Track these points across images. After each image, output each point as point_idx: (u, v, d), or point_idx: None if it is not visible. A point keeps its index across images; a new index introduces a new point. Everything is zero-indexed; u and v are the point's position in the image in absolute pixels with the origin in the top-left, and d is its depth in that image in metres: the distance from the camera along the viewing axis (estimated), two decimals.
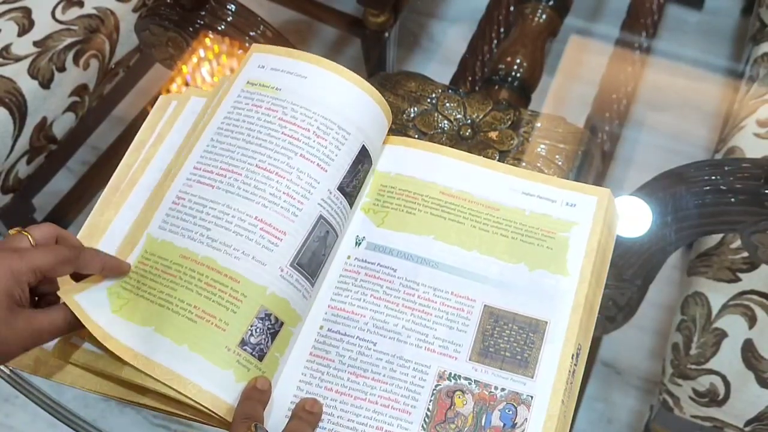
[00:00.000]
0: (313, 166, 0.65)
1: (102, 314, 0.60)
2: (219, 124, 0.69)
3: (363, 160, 0.68)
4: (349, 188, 0.67)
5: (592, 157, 0.89)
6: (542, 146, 0.87)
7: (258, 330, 0.60)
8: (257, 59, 0.72)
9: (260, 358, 0.60)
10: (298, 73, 0.70)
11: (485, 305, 0.63)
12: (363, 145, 0.68)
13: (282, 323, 0.61)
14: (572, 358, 0.61)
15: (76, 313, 0.59)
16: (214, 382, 0.58)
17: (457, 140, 0.88)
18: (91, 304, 0.60)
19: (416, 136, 0.88)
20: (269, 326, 0.60)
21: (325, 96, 0.68)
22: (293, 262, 0.62)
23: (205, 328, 0.59)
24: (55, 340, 0.61)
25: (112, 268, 0.62)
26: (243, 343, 0.59)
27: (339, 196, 0.66)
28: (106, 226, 0.67)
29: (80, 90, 1.15)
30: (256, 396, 0.59)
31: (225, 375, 0.58)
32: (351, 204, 0.67)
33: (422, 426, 0.59)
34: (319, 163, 0.65)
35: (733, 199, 0.79)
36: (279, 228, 0.63)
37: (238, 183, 0.64)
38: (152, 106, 0.76)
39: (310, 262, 0.63)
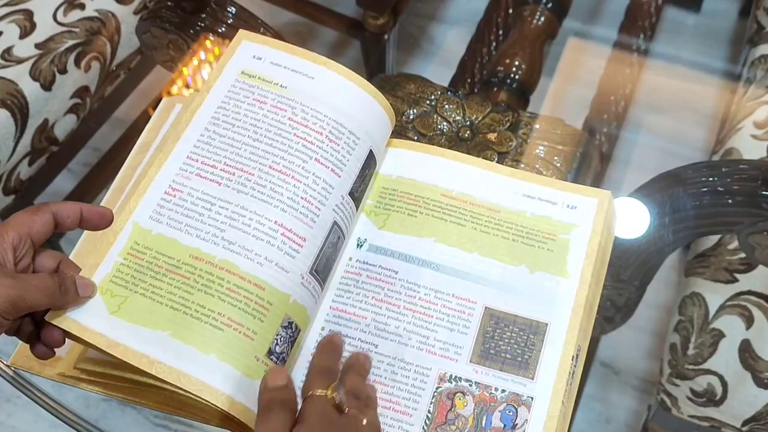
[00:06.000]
0: (328, 171, 0.64)
1: (100, 319, 0.57)
2: (213, 114, 0.66)
3: (370, 164, 0.68)
4: (358, 193, 0.67)
5: (590, 159, 0.89)
6: (541, 148, 0.87)
7: (282, 339, 0.59)
8: (249, 48, 0.70)
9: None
10: (304, 72, 0.68)
11: (486, 307, 0.64)
12: (371, 150, 0.68)
13: (300, 330, 0.61)
14: (572, 359, 0.61)
15: (73, 331, 0.56)
16: (245, 393, 0.56)
17: (456, 142, 0.88)
18: (86, 312, 0.57)
19: (415, 137, 0.88)
20: (291, 334, 0.60)
21: (335, 99, 0.67)
22: (312, 269, 0.62)
23: (233, 337, 0.57)
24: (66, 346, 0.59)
25: (92, 219, 0.59)
26: (270, 352, 0.58)
27: (350, 201, 0.65)
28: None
29: (81, 92, 1.16)
30: (335, 349, 0.58)
31: (254, 385, 0.56)
32: (357, 208, 0.67)
33: (423, 428, 0.59)
34: (333, 169, 0.64)
35: (730, 201, 0.80)
36: (299, 234, 0.61)
37: (251, 183, 0.63)
38: (153, 108, 0.75)
39: (325, 269, 0.63)
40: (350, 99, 0.67)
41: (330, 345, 0.58)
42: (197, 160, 0.64)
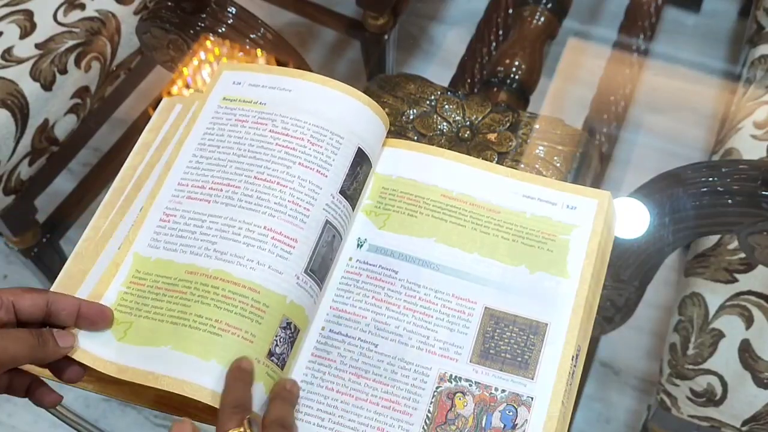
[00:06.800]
0: (313, 172, 0.65)
1: (109, 348, 0.59)
2: (199, 140, 0.69)
3: (361, 162, 0.68)
4: (350, 191, 0.67)
5: (590, 159, 0.89)
6: (540, 148, 0.87)
7: (282, 340, 0.59)
8: (230, 77, 0.72)
9: (282, 368, 0.60)
10: (281, 87, 0.70)
11: (486, 307, 0.64)
12: (359, 148, 0.68)
13: (299, 330, 0.61)
14: (572, 359, 0.61)
15: (85, 361, 0.58)
16: None
17: (456, 142, 0.88)
18: (96, 342, 0.59)
19: (415, 137, 0.88)
20: (290, 335, 0.60)
21: (313, 105, 0.69)
22: (306, 268, 0.62)
23: (232, 342, 0.58)
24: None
25: (92, 317, 0.59)
26: (270, 354, 0.59)
27: (342, 199, 0.66)
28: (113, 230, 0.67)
29: (82, 92, 1.16)
30: (244, 378, 0.56)
31: (256, 388, 0.57)
32: (353, 206, 0.68)
33: (423, 427, 0.59)
34: (318, 170, 0.66)
35: (730, 201, 0.80)
36: (290, 236, 0.62)
37: (238, 195, 0.64)
38: (153, 108, 0.76)
39: (321, 268, 0.63)
40: (329, 103, 0.69)
41: (239, 373, 0.56)
42: (187, 185, 0.67)
